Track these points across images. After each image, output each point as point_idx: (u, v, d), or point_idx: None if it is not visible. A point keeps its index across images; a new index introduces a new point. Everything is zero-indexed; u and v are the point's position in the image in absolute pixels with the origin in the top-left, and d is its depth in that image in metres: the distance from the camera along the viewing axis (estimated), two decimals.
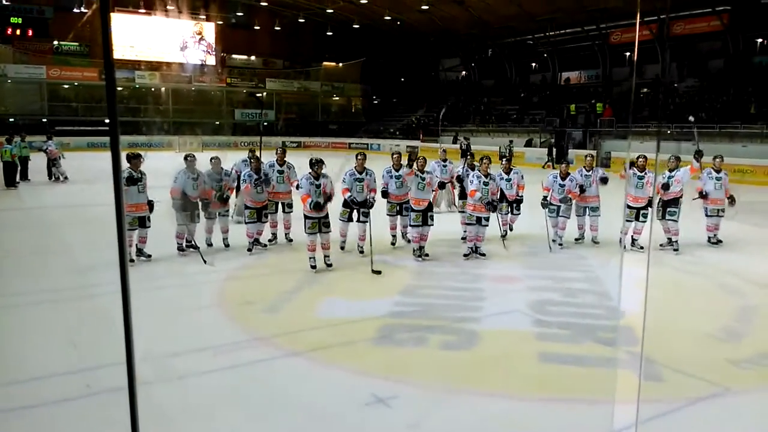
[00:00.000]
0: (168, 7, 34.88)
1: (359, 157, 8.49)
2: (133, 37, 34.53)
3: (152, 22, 35.97)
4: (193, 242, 8.23)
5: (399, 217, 8.88)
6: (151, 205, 7.89)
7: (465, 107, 37.67)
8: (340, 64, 43.65)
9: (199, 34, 38.32)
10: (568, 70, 34.61)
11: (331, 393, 4.33)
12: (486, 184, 8.13)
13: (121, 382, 1.65)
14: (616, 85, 30.66)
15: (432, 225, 8.37)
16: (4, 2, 32.62)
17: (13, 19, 33.14)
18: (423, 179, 8.34)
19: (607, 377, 4.50)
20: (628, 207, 8.78)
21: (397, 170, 8.62)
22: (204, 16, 37.75)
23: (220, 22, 38.79)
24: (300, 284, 6.99)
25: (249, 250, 8.48)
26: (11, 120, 29.71)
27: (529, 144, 28.78)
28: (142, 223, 7.85)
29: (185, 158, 8.40)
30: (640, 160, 9.10)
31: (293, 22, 40.08)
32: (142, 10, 35.26)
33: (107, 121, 1.51)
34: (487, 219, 8.32)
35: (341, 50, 42.36)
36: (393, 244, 9.04)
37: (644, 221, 8.78)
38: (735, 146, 21.11)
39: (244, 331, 5.52)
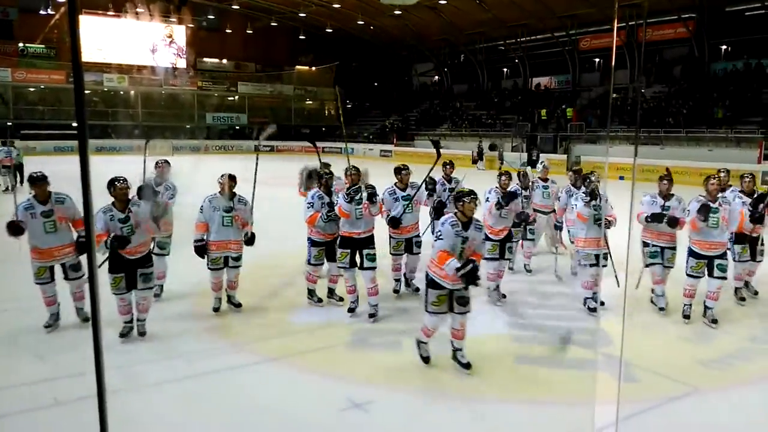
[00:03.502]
0: (138, 10, 34.34)
1: (404, 171, 6.69)
2: (102, 39, 33.89)
3: (121, 24, 35.38)
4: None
5: (406, 255, 6.79)
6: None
7: (438, 112, 37.90)
8: (313, 68, 43.53)
9: (170, 36, 37.82)
10: (539, 75, 35.04)
11: (307, 399, 4.29)
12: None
13: (89, 391, 1.60)
14: (586, 91, 31.16)
15: (509, 259, 6.97)
16: None
17: None
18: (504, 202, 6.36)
19: (585, 378, 4.55)
20: (697, 255, 5.87)
21: (403, 189, 6.62)
22: (174, 19, 37.28)
23: (191, 25, 38.35)
24: (275, 290, 6.92)
25: (320, 300, 6.37)
26: None
27: (493, 149, 28.76)
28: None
29: (156, 165, 6.74)
30: (747, 178, 6.44)
31: (265, 25, 39.81)
32: (111, 13, 34.69)
33: (75, 124, 1.47)
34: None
35: (314, 54, 42.25)
36: (397, 291, 6.81)
37: (724, 276, 5.86)
38: (701, 150, 21.63)
39: (219, 338, 5.45)
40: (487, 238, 6.18)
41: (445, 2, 30.37)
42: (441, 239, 4.59)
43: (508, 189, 6.64)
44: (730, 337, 5.59)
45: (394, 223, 6.49)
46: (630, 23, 27.49)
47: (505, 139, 29.09)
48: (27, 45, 34.16)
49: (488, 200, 6.55)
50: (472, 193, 4.72)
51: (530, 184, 7.93)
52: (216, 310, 6.00)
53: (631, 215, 5.80)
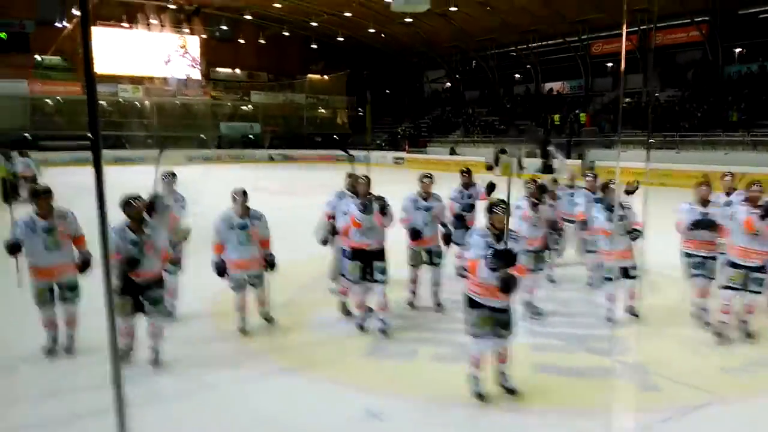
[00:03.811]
0: (151, 21, 34.74)
1: (426, 180, 6.49)
2: (116, 50, 34.32)
3: (135, 35, 35.84)
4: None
5: (427, 268, 6.53)
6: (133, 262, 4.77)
7: (450, 118, 37.90)
8: (325, 77, 43.75)
9: (183, 47, 38.23)
10: (552, 80, 34.96)
11: (324, 408, 4.27)
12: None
13: (105, 404, 1.58)
14: (598, 95, 31.01)
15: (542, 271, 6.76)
16: None
17: None
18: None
19: (602, 387, 4.48)
20: (735, 265, 5.46)
21: (425, 199, 6.43)
22: (188, 30, 37.66)
23: (204, 36, 38.72)
24: (290, 300, 6.90)
25: (361, 327, 5.85)
26: None
27: (503, 153, 28.49)
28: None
29: (162, 178, 6.22)
30: (755, 188, 5.43)
31: (278, 35, 40.13)
32: (125, 24, 35.12)
33: (90, 135, 1.47)
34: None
35: (326, 63, 42.49)
36: (411, 304, 6.57)
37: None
38: (717, 154, 21.39)
39: (235, 347, 5.44)
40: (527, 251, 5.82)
41: (455, 9, 30.38)
42: (472, 247, 4.21)
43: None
44: (754, 345, 5.46)
45: (414, 235, 6.30)
46: (641, 27, 27.33)
47: (516, 145, 28.99)
48: (43, 57, 34.66)
49: (519, 207, 6.27)
50: (502, 202, 4.25)
51: (557, 191, 7.66)
52: (242, 330, 5.70)
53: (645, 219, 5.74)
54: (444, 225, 6.63)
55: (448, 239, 6.58)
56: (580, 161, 25.56)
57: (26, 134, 31.36)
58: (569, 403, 4.33)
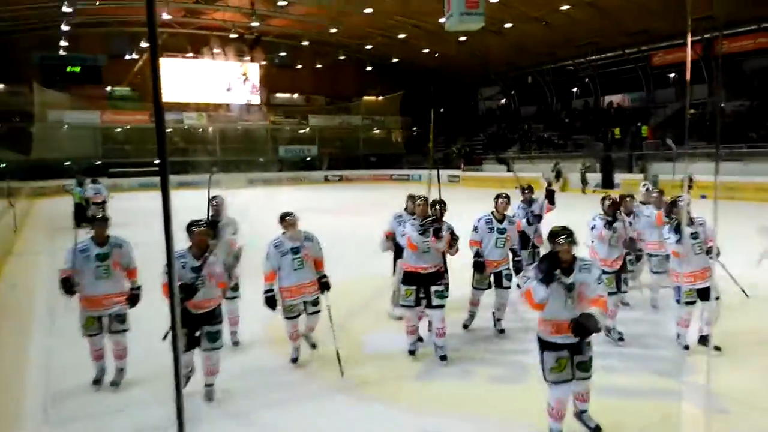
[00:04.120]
0: (214, 51, 36.17)
1: (500, 200, 6.26)
2: (181, 80, 35.86)
3: (199, 65, 37.35)
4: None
5: (495, 290, 6.29)
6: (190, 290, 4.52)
7: (506, 135, 37.57)
8: (380, 98, 44.29)
9: (244, 74, 39.55)
10: (611, 93, 34.17)
11: (376, 429, 4.28)
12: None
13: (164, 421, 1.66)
14: (661, 107, 30.09)
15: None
16: (61, 53, 34.44)
17: (72, 68, 35.02)
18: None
19: (669, 410, 4.31)
20: None
21: (500, 220, 6.23)
22: (248, 58, 38.99)
23: (264, 63, 39.99)
24: (343, 320, 6.97)
25: (411, 352, 5.65)
26: (66, 164, 31.08)
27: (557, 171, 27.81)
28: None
29: (210, 203, 6.01)
30: None
31: (334, 59, 41.02)
32: (190, 55, 36.69)
33: (157, 161, 1.57)
34: None
35: (381, 84, 43.04)
36: (466, 327, 6.42)
37: None
38: None
39: (289, 368, 5.51)
40: (604, 272, 5.38)
41: (510, 26, 30.27)
42: (529, 280, 3.82)
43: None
44: None
45: (478, 267, 6.05)
46: (705, 36, 26.43)
47: (575, 160, 28.45)
48: (114, 88, 36.62)
49: (594, 228, 5.94)
50: (565, 230, 3.80)
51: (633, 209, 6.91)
52: (294, 360, 5.52)
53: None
54: (514, 252, 6.32)
55: (519, 269, 6.25)
56: (642, 175, 24.84)
57: (97, 162, 33.08)
58: (634, 427, 4.19)
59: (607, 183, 25.81)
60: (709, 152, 22.45)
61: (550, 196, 6.77)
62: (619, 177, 25.82)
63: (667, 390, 4.78)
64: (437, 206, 5.73)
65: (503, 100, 42.57)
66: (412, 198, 6.24)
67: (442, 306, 5.42)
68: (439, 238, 5.29)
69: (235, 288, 5.89)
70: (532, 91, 39.45)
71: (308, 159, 41.77)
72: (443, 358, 5.43)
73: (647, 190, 7.46)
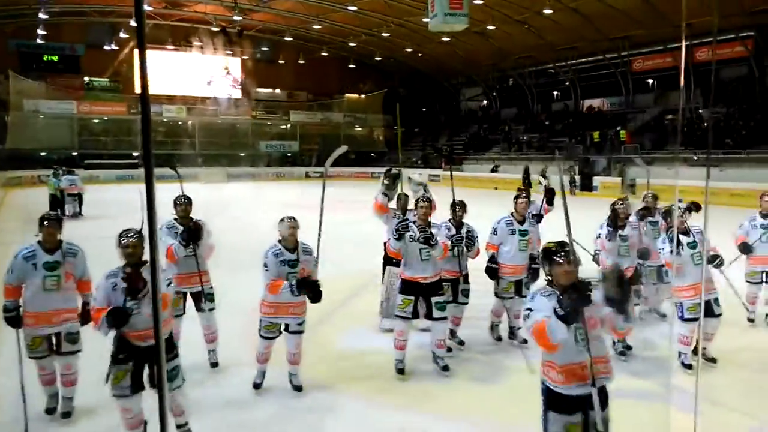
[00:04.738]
0: (195, 44, 35.78)
1: (519, 200, 5.78)
2: (161, 72, 35.41)
3: (179, 57, 36.92)
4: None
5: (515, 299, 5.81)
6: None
7: (486, 136, 37.80)
8: (362, 96, 44.24)
9: (226, 69, 39.20)
10: (591, 97, 34.56)
11: (357, 428, 4.27)
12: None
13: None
14: (640, 112, 30.52)
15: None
16: (38, 41, 33.82)
17: (49, 57, 34.41)
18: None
19: (657, 411, 4.37)
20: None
21: (521, 222, 5.80)
22: (230, 52, 38.65)
23: (246, 57, 39.68)
24: (325, 315, 6.94)
25: (400, 370, 5.13)
26: (42, 154, 30.57)
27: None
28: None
29: (175, 204, 5.29)
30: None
31: (317, 56, 40.87)
32: (170, 47, 36.26)
33: (136, 154, 1.53)
34: None
35: (363, 82, 43.01)
36: (500, 339, 6.04)
37: None
38: (762, 171, 20.76)
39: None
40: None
41: (493, 28, 30.42)
42: (535, 312, 2.98)
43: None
44: None
45: (491, 273, 5.73)
46: (686, 43, 26.82)
47: (553, 162, 28.69)
48: (92, 79, 36.04)
49: (600, 237, 5.67)
50: (561, 247, 3.06)
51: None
52: (257, 386, 4.79)
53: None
54: (533, 258, 5.68)
55: (536, 275, 5.65)
56: (620, 179, 25.18)
57: (73, 153, 32.57)
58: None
59: (586, 186, 26.13)
60: (687, 157, 22.85)
61: (549, 196, 6.37)
62: (597, 180, 26.16)
63: (654, 392, 4.81)
64: (456, 208, 5.58)
65: (484, 102, 42.79)
66: (403, 197, 6.03)
67: (444, 318, 5.09)
68: (431, 245, 4.89)
69: (211, 298, 5.23)
70: (513, 93, 39.72)
71: (288, 155, 41.59)
72: (445, 368, 5.11)
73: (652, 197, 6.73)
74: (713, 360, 5.22)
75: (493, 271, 5.69)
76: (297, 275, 4.49)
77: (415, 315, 5.06)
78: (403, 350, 5.12)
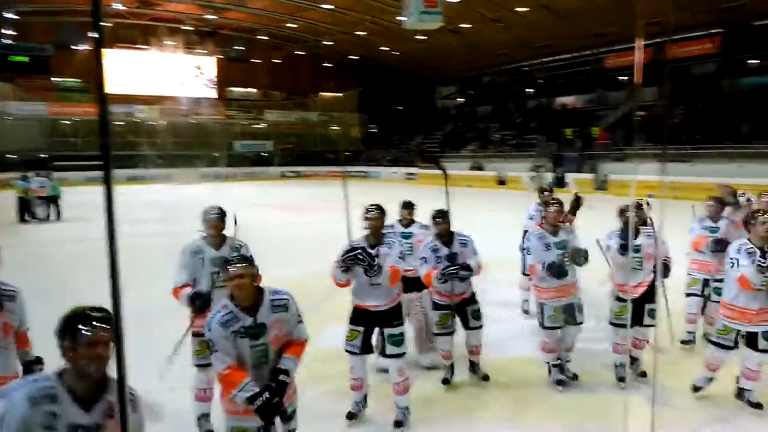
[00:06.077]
0: (167, 43, 35.34)
1: (552, 207, 4.73)
2: (133, 72, 34.92)
3: (151, 57, 36.45)
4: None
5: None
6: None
7: (462, 134, 38.00)
8: (338, 94, 44.15)
9: (198, 68, 38.80)
10: (564, 94, 34.94)
11: (334, 429, 4.24)
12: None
13: None
14: (612, 109, 30.93)
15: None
16: (3, 41, 33.07)
17: (17, 58, 33.66)
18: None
19: (618, 403, 4.41)
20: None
21: (554, 233, 4.73)
22: (203, 51, 38.27)
23: (219, 56, 39.31)
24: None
25: (352, 415, 4.30)
26: (10, 156, 29.91)
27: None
28: None
29: (204, 218, 4.13)
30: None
31: (291, 54, 40.65)
32: (142, 46, 35.78)
33: (101, 153, 1.48)
34: None
35: (338, 81, 42.92)
36: (566, 381, 4.88)
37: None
38: (731, 166, 21.21)
39: None
40: (618, 299, 4.70)
41: (468, 26, 30.58)
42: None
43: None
44: None
45: (555, 273, 4.57)
46: (656, 40, 27.25)
47: (523, 160, 29.00)
48: (62, 80, 35.37)
49: (609, 248, 4.72)
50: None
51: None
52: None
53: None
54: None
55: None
56: (593, 175, 25.53)
57: (42, 154, 31.92)
58: (586, 419, 4.27)
59: (559, 182, 26.40)
60: (657, 153, 23.22)
61: (576, 205, 5.71)
62: (569, 176, 26.45)
63: (613, 383, 4.87)
64: (437, 219, 4.70)
65: (460, 99, 43.02)
66: (407, 206, 5.51)
67: (400, 355, 4.16)
68: (368, 276, 4.06)
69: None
70: (488, 90, 39.98)
71: (263, 154, 41.31)
72: (398, 424, 4.14)
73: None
74: (643, 374, 4.97)
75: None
76: (265, 348, 3.05)
77: (367, 349, 4.20)
78: (361, 391, 4.26)
